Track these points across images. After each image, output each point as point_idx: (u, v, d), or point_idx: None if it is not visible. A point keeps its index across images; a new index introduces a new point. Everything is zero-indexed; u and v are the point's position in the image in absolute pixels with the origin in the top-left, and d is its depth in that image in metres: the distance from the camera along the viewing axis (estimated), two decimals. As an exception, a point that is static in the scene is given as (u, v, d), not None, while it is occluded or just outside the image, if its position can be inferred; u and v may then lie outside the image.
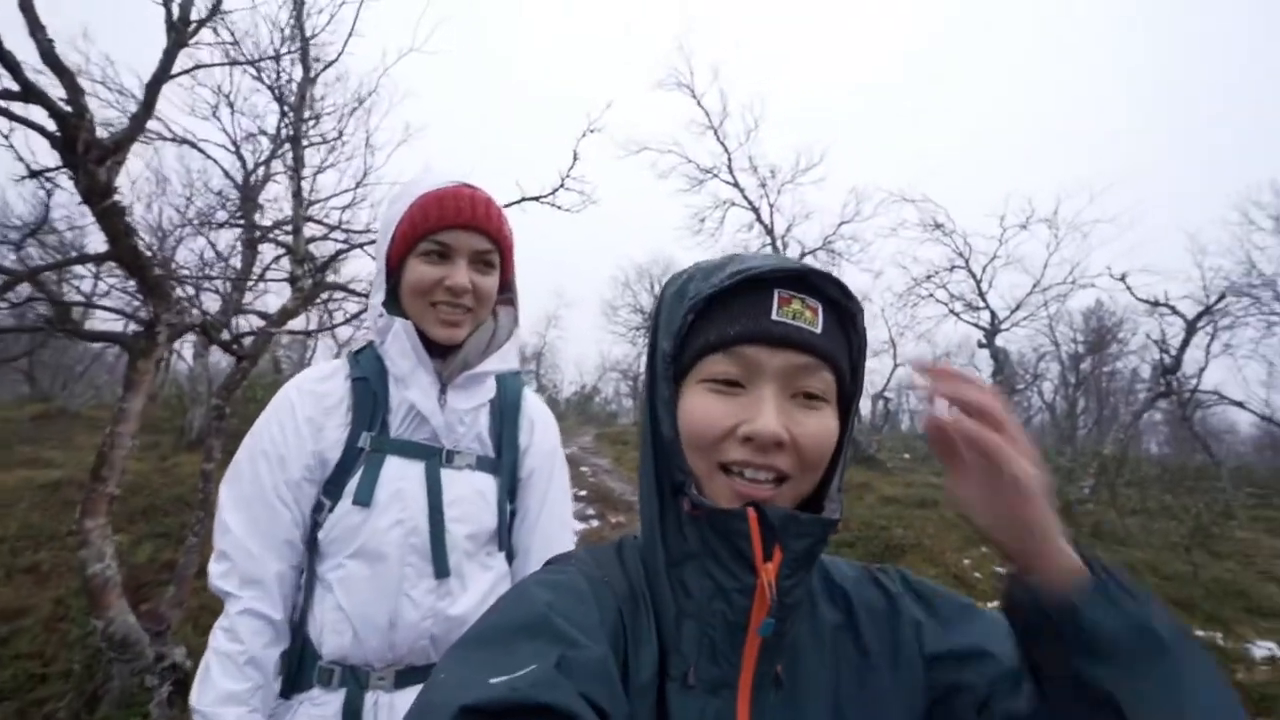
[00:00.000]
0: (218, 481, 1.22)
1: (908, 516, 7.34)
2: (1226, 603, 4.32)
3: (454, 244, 1.05)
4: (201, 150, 5.24)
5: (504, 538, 1.13)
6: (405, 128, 6.57)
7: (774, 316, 0.54)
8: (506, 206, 1.33)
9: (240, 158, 6.05)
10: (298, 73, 3.91)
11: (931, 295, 12.38)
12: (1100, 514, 5.78)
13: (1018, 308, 12.20)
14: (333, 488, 1.04)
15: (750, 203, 14.54)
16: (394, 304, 1.09)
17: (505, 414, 1.17)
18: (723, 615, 0.54)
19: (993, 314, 11.71)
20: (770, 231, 14.49)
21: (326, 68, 4.00)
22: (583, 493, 8.17)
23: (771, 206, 14.56)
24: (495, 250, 1.09)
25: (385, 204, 1.13)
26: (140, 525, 5.23)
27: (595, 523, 6.86)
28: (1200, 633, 3.98)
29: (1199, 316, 10.32)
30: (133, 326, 3.03)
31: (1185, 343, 10.20)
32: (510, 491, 1.15)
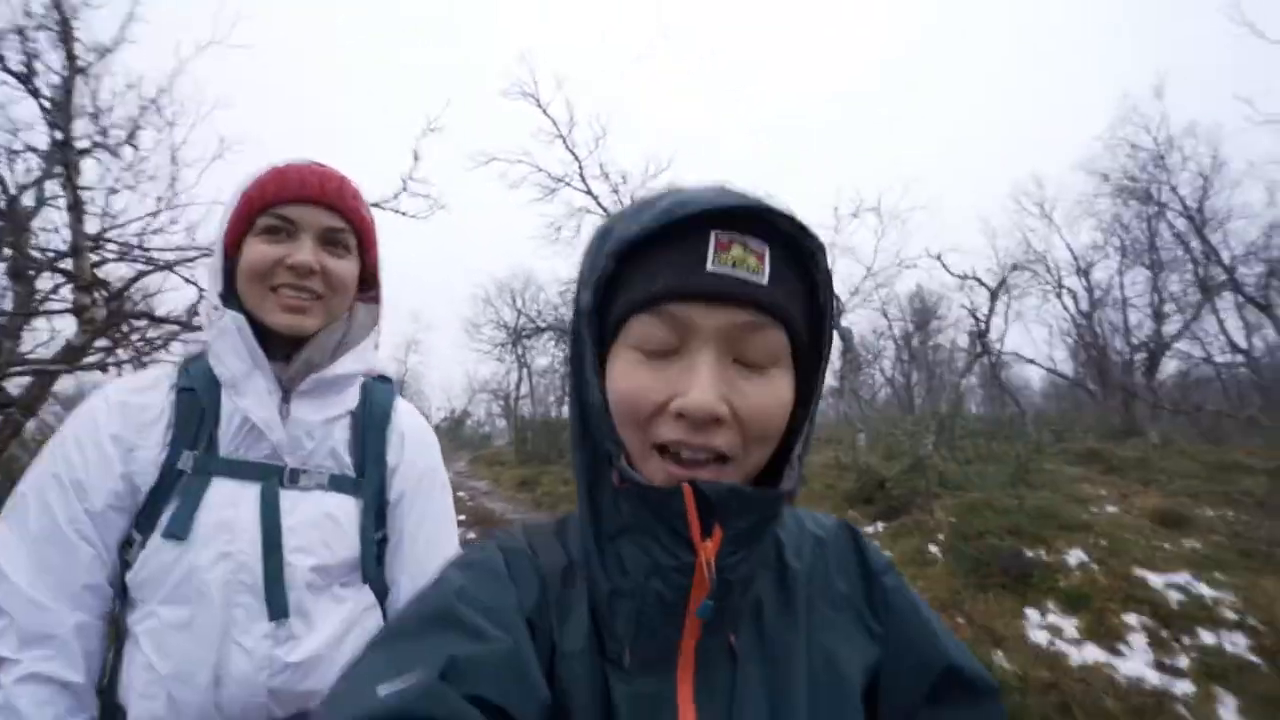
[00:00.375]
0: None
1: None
2: (1045, 524, 4.99)
3: (298, 219, 0.92)
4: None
5: (369, 568, 0.98)
6: (220, 141, 5.84)
7: (709, 266, 0.45)
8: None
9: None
10: (58, 61, 3.28)
11: None
12: (943, 466, 6.46)
13: (855, 292, 13.41)
14: (145, 519, 0.87)
15: (604, 209, 14.73)
16: (232, 299, 0.92)
17: (369, 427, 1.01)
18: (658, 595, 0.48)
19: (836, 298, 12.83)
20: (627, 237, 14.77)
21: (102, 56, 3.42)
22: (462, 517, 7.83)
23: (626, 212, 14.88)
24: (349, 231, 0.96)
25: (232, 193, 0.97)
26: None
27: (478, 546, 6.50)
28: (1029, 553, 4.55)
29: (999, 286, 12.06)
30: None
31: (991, 310, 11.88)
32: (379, 516, 1.00)
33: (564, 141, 14.32)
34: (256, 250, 0.91)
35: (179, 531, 0.85)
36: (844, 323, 11.96)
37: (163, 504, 0.87)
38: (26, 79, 3.18)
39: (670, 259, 0.47)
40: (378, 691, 0.40)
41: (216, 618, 0.84)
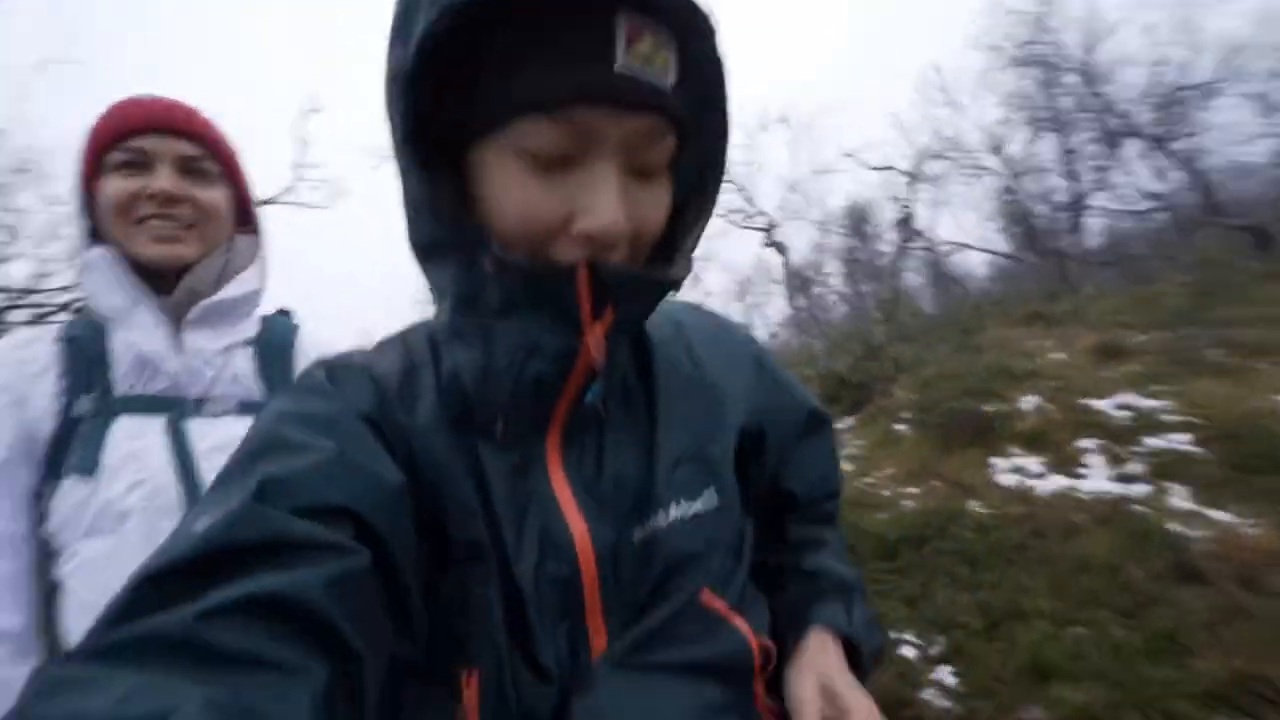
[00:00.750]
0: None
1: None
2: (997, 380, 5.25)
3: (151, 148, 0.90)
4: None
5: None
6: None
7: (620, 62, 0.39)
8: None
9: None
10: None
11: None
12: (895, 352, 6.68)
13: (783, 207, 13.68)
14: (52, 468, 0.86)
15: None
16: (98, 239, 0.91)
17: (270, 352, 1.01)
18: (537, 374, 0.47)
19: (767, 217, 13.12)
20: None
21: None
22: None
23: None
24: (209, 157, 0.95)
25: None
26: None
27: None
28: (985, 407, 4.78)
29: (915, 171, 12.38)
30: None
31: (911, 194, 12.21)
32: None
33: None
34: (113, 185, 0.89)
35: (87, 467, 0.84)
36: (778, 239, 12.18)
37: (65, 451, 0.85)
38: None
39: (572, 45, 0.39)
40: (194, 529, 0.38)
41: (140, 545, 0.83)
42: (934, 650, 2.72)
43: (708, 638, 0.51)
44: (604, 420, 0.54)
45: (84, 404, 0.87)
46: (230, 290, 0.96)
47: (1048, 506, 3.74)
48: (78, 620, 0.82)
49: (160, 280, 0.92)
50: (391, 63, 0.42)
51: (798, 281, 12.53)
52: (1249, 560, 2.87)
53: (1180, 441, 3.97)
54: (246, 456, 0.44)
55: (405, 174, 0.44)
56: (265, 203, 3.50)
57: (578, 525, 0.50)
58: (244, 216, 1.03)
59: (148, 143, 0.90)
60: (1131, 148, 13.64)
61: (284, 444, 0.44)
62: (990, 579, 3.08)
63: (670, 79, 0.42)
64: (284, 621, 0.34)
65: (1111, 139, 13.38)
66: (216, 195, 0.95)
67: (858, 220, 20.92)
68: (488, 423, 0.50)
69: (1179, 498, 3.53)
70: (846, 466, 4.70)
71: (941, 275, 14.20)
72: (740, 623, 0.53)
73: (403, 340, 0.58)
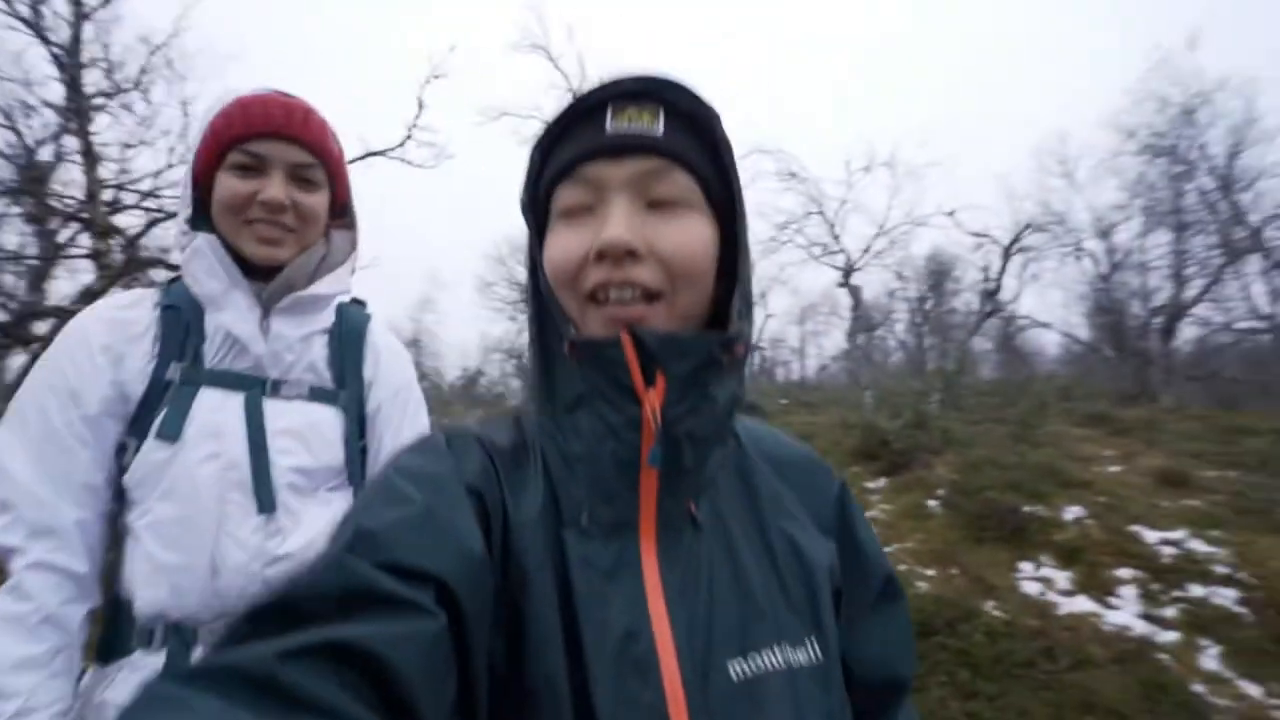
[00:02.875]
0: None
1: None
2: (1045, 481, 5.05)
3: (267, 154, 0.95)
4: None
5: (356, 474, 1.05)
6: (229, 93, 5.79)
7: (608, 128, 0.51)
8: (351, 163, 1.21)
9: (16, 132, 5.09)
10: (65, 8, 3.28)
11: (791, 242, 13.21)
12: (947, 424, 6.50)
13: (868, 249, 13.28)
14: (137, 426, 0.92)
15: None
16: (205, 224, 0.97)
17: (346, 344, 1.08)
18: (613, 453, 0.50)
19: (847, 256, 12.67)
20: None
21: (106, 3, 3.41)
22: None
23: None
24: (319, 165, 0.99)
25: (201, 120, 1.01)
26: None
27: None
28: (1026, 508, 4.62)
29: (1012, 243, 11.87)
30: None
31: (1003, 269, 11.72)
32: (360, 425, 1.07)
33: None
34: (228, 186, 0.94)
35: (170, 433, 0.90)
36: (854, 281, 11.88)
37: (153, 412, 0.92)
38: (34, 24, 3.18)
39: (578, 134, 0.52)
40: (304, 568, 0.41)
41: (210, 512, 0.91)
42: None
43: None
44: (699, 524, 0.53)
45: (174, 371, 0.93)
46: (321, 287, 1.01)
47: (1066, 628, 3.61)
48: (141, 569, 0.90)
49: (256, 269, 0.97)
50: (522, 199, 0.58)
51: (863, 323, 12.26)
52: (1270, 746, 2.72)
53: (1226, 597, 3.76)
54: (358, 505, 0.48)
55: (537, 273, 0.56)
56: (378, 153, 3.63)
57: (666, 646, 0.48)
58: (340, 209, 1.08)
59: (264, 148, 0.94)
60: (1252, 264, 12.75)
61: (387, 495, 0.46)
62: (990, 690, 3.01)
63: (658, 129, 0.51)
64: (355, 672, 0.36)
65: (1233, 249, 12.53)
66: (318, 200, 1.00)
67: (938, 274, 20.30)
68: (575, 512, 0.51)
69: (1210, 657, 3.36)
70: (868, 530, 4.61)
71: (1012, 347, 13.67)
72: None
73: (516, 421, 0.59)
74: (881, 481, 5.93)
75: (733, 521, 0.56)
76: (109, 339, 0.93)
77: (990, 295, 11.49)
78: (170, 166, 4.88)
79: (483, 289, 24.88)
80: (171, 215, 3.77)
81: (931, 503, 5.15)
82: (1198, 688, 3.05)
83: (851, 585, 0.61)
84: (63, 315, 3.13)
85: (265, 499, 0.94)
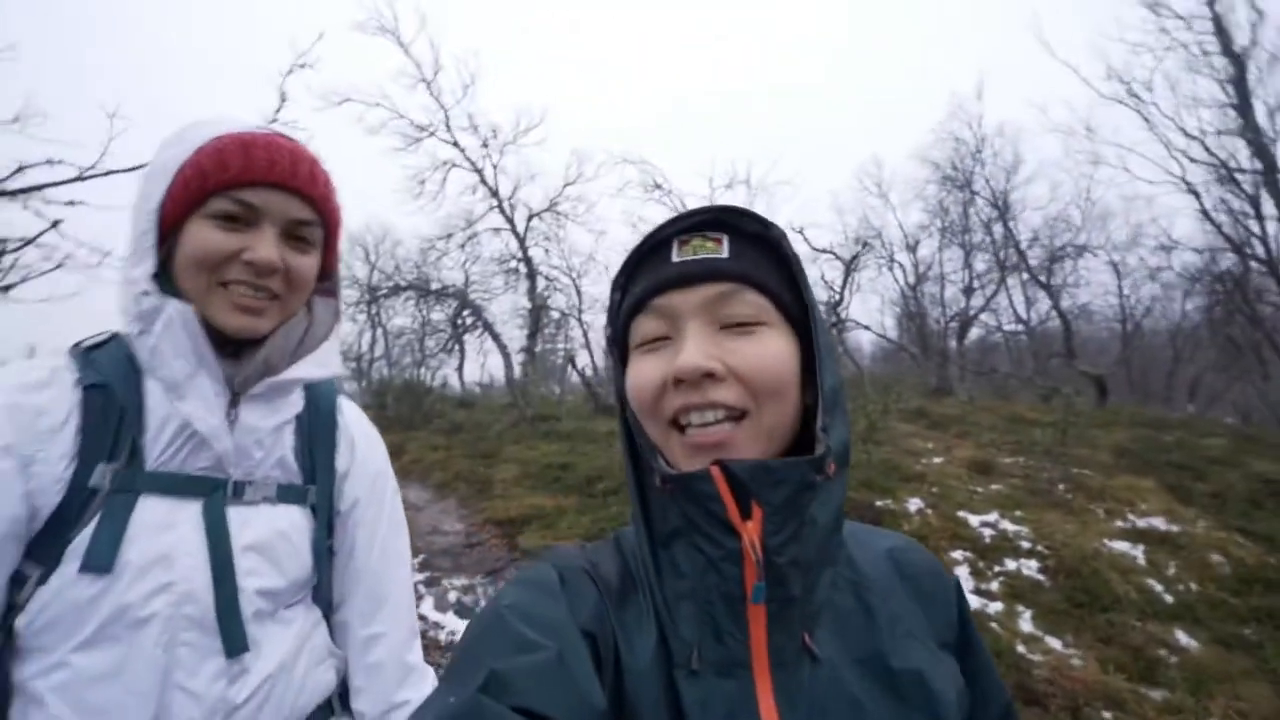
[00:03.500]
0: None
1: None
2: (889, 476, 5.75)
3: (263, 205, 0.78)
4: None
5: (323, 584, 0.89)
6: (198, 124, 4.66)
7: (674, 259, 0.54)
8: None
9: None
10: None
11: None
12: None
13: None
14: (43, 550, 0.71)
15: (473, 163, 14.02)
16: (165, 280, 0.78)
17: (316, 431, 0.92)
18: (717, 588, 0.49)
19: None
20: (495, 194, 14.21)
21: None
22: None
23: (495, 168, 14.23)
24: (318, 224, 0.84)
25: (158, 148, 0.81)
26: None
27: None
28: (878, 502, 5.24)
29: (853, 259, 13.31)
30: None
31: (845, 284, 13.09)
32: (327, 528, 0.91)
33: (427, 87, 13.28)
34: (207, 238, 0.76)
35: (101, 563, 0.70)
36: None
37: (68, 530, 0.71)
38: None
39: (648, 269, 0.55)
40: (434, 711, 0.43)
41: (156, 661, 0.72)
42: None
43: None
44: (816, 658, 0.51)
45: (103, 475, 0.73)
46: (303, 370, 0.86)
47: (920, 608, 4.15)
48: None
49: (225, 343, 0.80)
50: (607, 334, 0.61)
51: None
52: (1076, 690, 3.36)
53: (1031, 568, 4.57)
54: (473, 640, 0.47)
55: (625, 404, 0.57)
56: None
57: None
58: (325, 273, 0.92)
59: (259, 198, 0.78)
60: (1017, 278, 15.51)
61: (508, 637, 0.46)
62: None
63: (723, 253, 0.54)
64: None
65: (1004, 267, 15.16)
66: (310, 263, 0.85)
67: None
68: (685, 653, 0.50)
69: (1025, 620, 4.05)
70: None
71: (843, 347, 15.40)
72: None
73: (618, 547, 0.59)
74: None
75: (852, 651, 0.53)
76: (12, 437, 0.71)
77: (835, 307, 12.78)
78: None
79: (316, 285, 22.49)
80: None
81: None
82: (1020, 648, 3.67)
83: (971, 708, 0.59)
84: None
85: (234, 639, 0.76)
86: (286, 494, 0.86)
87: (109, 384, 0.76)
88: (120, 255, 0.82)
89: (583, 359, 18.29)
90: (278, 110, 3.30)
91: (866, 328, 15.86)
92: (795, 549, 0.49)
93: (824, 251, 13.59)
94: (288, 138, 0.83)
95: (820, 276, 13.47)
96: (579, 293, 16.40)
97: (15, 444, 0.71)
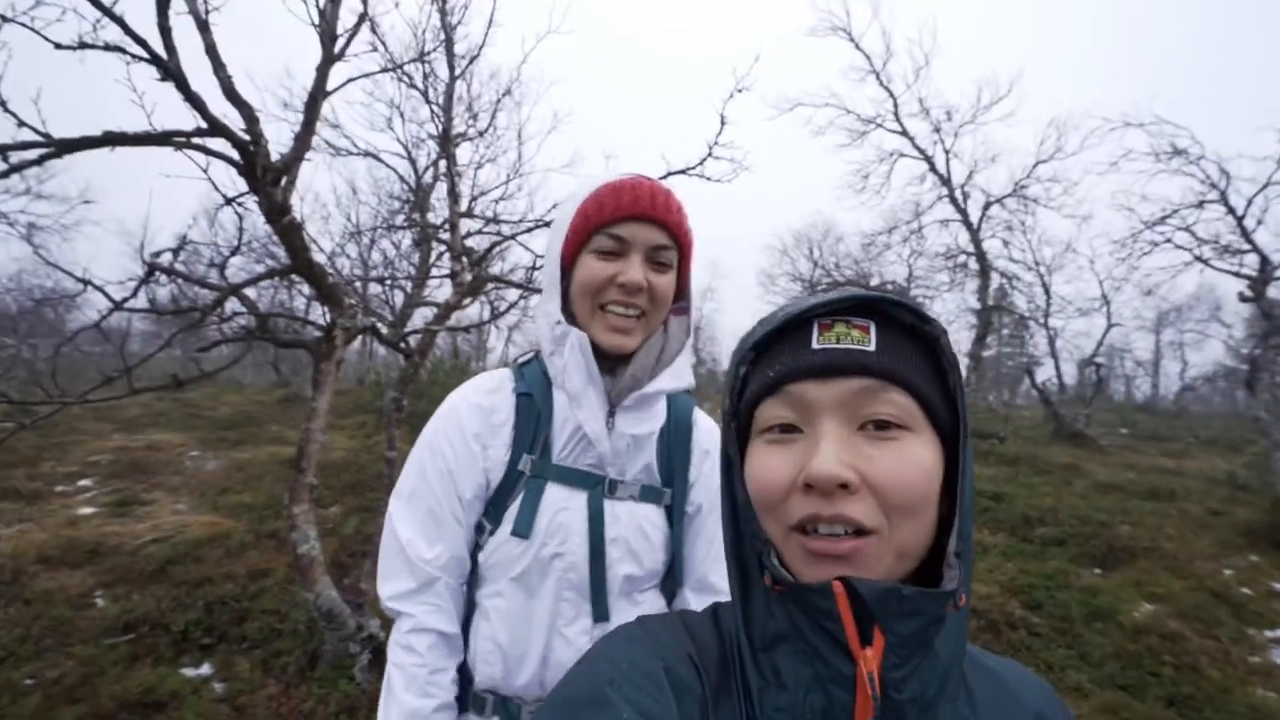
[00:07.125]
0: (398, 469, 1.24)
1: (1135, 510, 6.14)
2: None
3: (629, 237, 0.95)
4: (380, 159, 5.77)
5: (674, 575, 1.05)
6: (553, 115, 6.62)
7: (814, 345, 0.49)
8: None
9: (412, 162, 6.60)
10: (445, 71, 4.05)
11: (1169, 240, 9.00)
12: None
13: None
14: (493, 510, 0.99)
15: (921, 151, 13.12)
16: (567, 312, 1.00)
17: (675, 441, 1.06)
18: (822, 711, 0.45)
19: (1263, 257, 7.89)
20: (947, 182, 12.96)
21: (471, 62, 4.11)
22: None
23: (948, 153, 12.98)
24: (674, 248, 0.99)
25: (563, 203, 1.03)
26: (350, 499, 5.95)
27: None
28: None
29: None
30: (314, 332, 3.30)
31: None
32: (677, 528, 1.06)
33: (877, 78, 12.92)
34: (591, 268, 0.95)
35: (522, 530, 0.95)
36: (1273, 293, 8.40)
37: (506, 499, 0.98)
38: (424, 91, 4.01)
39: (782, 350, 0.50)
40: None
41: (547, 607, 0.95)
42: None
43: None
44: None
45: (526, 463, 0.97)
46: (663, 382, 1.00)
47: None
48: (484, 646, 0.98)
49: (604, 358, 0.98)
50: (723, 405, 0.55)
51: (1277, 339, 8.87)
52: None
53: None
54: (577, 703, 0.47)
55: (735, 486, 0.53)
56: (679, 172, 3.72)
57: None
58: (679, 293, 1.05)
59: (627, 230, 0.94)
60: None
61: (605, 705, 0.45)
62: None
63: (869, 345, 0.47)
64: None
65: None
66: (669, 282, 0.98)
67: None
68: None
69: None
70: None
71: None
72: None
73: (716, 622, 0.56)
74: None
75: None
76: (479, 426, 0.99)
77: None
78: (507, 183, 5.75)
79: (764, 281, 24.87)
80: (509, 237, 4.42)
81: None
82: None
83: None
84: (427, 333, 3.87)
85: (600, 608, 0.96)
86: (648, 494, 1.02)
87: (532, 392, 1.00)
88: (539, 293, 1.09)
89: (1044, 372, 15.25)
90: (718, 135, 3.67)
91: None
92: (916, 686, 0.45)
93: None
94: (648, 178, 0.98)
95: None
96: (1047, 292, 13.46)
97: (481, 433, 0.99)
